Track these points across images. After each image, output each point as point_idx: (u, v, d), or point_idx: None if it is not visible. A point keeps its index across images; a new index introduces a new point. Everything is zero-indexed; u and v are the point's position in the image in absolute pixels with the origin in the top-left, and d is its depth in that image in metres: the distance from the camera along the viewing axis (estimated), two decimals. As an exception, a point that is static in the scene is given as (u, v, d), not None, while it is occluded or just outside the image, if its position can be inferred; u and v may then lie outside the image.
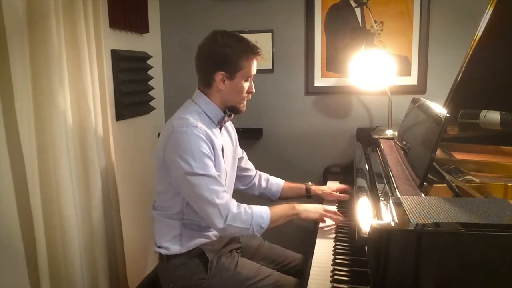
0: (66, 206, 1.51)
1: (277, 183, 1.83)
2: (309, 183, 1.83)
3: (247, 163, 1.80)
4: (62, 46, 1.49)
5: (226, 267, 1.46)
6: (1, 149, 1.34)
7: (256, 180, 1.81)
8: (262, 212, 1.44)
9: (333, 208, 1.70)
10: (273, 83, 2.44)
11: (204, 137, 1.39)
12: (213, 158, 1.42)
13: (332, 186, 1.88)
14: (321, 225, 1.57)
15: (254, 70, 1.49)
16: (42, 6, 1.41)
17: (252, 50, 1.45)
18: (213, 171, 1.39)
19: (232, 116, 1.57)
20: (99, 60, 1.72)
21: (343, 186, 1.86)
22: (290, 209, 1.51)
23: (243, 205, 1.43)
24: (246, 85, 1.48)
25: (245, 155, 1.79)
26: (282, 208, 1.50)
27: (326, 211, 1.56)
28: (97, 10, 1.68)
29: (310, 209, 1.55)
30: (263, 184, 1.81)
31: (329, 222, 1.57)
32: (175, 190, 1.45)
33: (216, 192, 1.37)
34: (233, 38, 1.45)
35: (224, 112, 1.51)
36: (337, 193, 1.81)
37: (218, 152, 1.45)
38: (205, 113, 1.48)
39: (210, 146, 1.41)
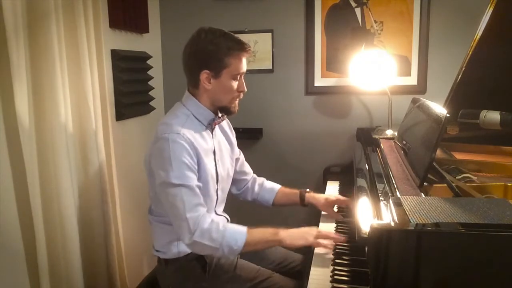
0: (66, 206, 1.52)
1: (271, 188, 1.71)
2: (306, 189, 1.67)
3: (243, 166, 1.71)
4: (62, 46, 1.49)
5: (225, 270, 1.44)
6: (1, 149, 1.34)
7: (249, 184, 1.72)
8: (237, 233, 1.31)
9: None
10: (273, 83, 2.44)
11: (187, 145, 1.32)
12: (195, 168, 1.35)
13: (331, 196, 1.65)
14: (316, 250, 1.36)
15: (242, 68, 1.38)
16: (42, 6, 1.41)
17: (238, 46, 1.35)
18: (191, 182, 1.31)
19: (224, 117, 1.51)
20: (99, 60, 1.72)
21: (343, 198, 1.63)
22: (272, 234, 1.35)
23: (218, 222, 1.32)
24: (235, 84, 1.39)
25: (242, 157, 1.70)
26: (263, 232, 1.36)
27: (319, 235, 1.35)
28: (97, 10, 1.68)
29: (296, 235, 1.35)
30: (256, 189, 1.71)
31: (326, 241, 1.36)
32: None
33: (189, 205, 1.29)
34: (217, 34, 1.35)
35: (216, 113, 1.45)
36: (334, 208, 1.62)
37: (203, 157, 1.38)
38: (194, 115, 1.41)
39: (194, 154, 1.34)
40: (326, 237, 1.36)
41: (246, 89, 1.44)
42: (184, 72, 1.43)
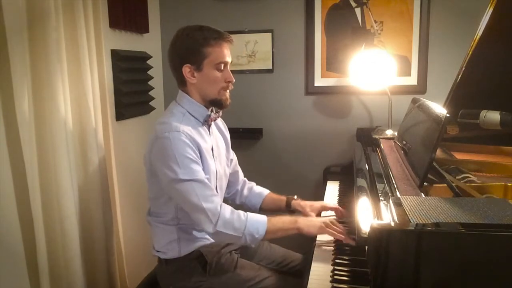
0: (66, 206, 1.52)
1: (260, 193, 1.72)
2: (294, 196, 1.68)
3: (237, 167, 1.72)
4: (62, 46, 1.49)
5: (225, 269, 1.45)
6: (1, 149, 1.34)
7: (239, 187, 1.73)
8: (258, 222, 1.36)
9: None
10: (273, 83, 2.44)
11: (188, 141, 1.34)
12: (199, 162, 1.37)
13: (316, 203, 1.65)
14: (319, 238, 1.42)
15: (224, 57, 1.39)
16: (42, 6, 1.41)
17: (214, 35, 1.36)
18: (200, 175, 1.34)
19: (220, 113, 1.52)
20: (99, 60, 1.72)
21: (330, 205, 1.64)
22: (292, 222, 1.40)
23: (238, 212, 1.37)
24: (219, 74, 1.39)
25: (235, 158, 1.71)
26: (283, 221, 1.40)
27: (327, 225, 1.38)
28: (97, 10, 1.68)
29: (313, 223, 1.40)
30: (245, 192, 1.72)
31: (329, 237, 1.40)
32: (166, 196, 1.42)
33: (204, 197, 1.32)
34: (192, 28, 1.38)
35: (209, 108, 1.46)
36: (323, 213, 1.63)
37: (205, 153, 1.40)
38: (189, 113, 1.43)
39: (196, 149, 1.36)
40: (333, 231, 1.35)
41: (234, 79, 1.43)
42: (172, 73, 1.46)
